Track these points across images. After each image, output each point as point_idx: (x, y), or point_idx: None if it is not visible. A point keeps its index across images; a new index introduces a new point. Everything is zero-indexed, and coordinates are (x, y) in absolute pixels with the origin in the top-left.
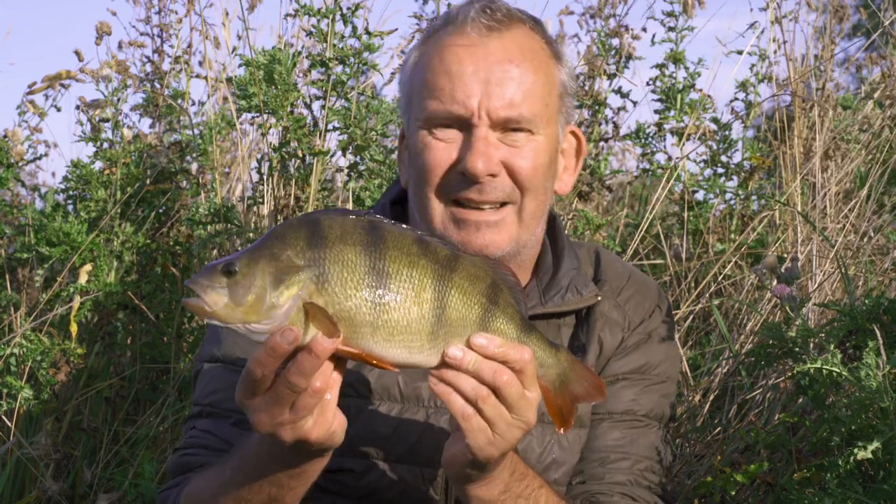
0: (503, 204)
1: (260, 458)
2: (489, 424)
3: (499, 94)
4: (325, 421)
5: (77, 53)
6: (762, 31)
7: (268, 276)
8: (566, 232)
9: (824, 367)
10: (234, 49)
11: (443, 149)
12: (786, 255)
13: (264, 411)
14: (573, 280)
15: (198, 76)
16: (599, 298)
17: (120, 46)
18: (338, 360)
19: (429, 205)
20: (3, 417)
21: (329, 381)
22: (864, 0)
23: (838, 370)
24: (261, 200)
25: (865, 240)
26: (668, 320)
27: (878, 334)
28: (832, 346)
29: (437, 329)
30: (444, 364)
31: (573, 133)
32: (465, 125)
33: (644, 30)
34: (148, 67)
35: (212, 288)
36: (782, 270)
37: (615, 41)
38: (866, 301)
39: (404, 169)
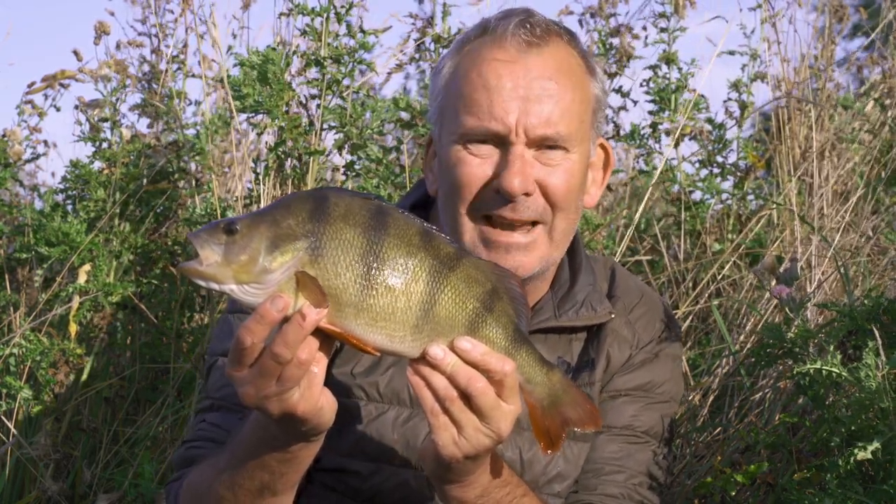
0: (534, 224)
1: (252, 443)
2: (456, 426)
3: (537, 111)
4: (312, 395)
5: (75, 53)
6: (752, 31)
7: (265, 240)
8: None
9: (824, 367)
10: (230, 48)
11: (477, 165)
12: (784, 255)
13: (251, 384)
14: (588, 296)
15: (194, 76)
16: (613, 316)
17: (118, 46)
18: (324, 338)
19: (459, 221)
20: (3, 417)
21: (315, 354)
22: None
23: (838, 370)
24: (257, 200)
25: (864, 239)
26: (677, 342)
27: (878, 335)
28: (832, 347)
29: (422, 323)
30: (424, 358)
31: (602, 146)
32: (501, 142)
33: (644, 28)
34: (146, 67)
35: (209, 243)
36: (781, 271)
37: (615, 40)
38: (866, 301)
39: (431, 176)
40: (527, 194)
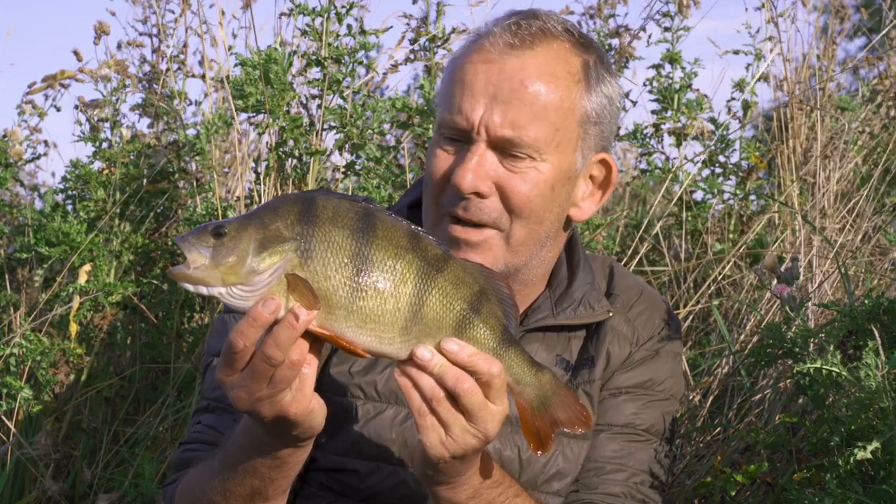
0: (486, 226)
1: (242, 449)
2: (443, 426)
3: (502, 111)
4: (304, 397)
5: (76, 53)
6: (757, 31)
7: (253, 242)
8: None
9: (824, 367)
10: (231, 48)
11: (444, 159)
12: (785, 255)
13: (242, 387)
14: (586, 294)
15: (194, 76)
16: (611, 314)
17: (119, 47)
18: (314, 340)
19: (428, 213)
20: (3, 417)
21: (306, 355)
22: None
23: (838, 370)
24: (258, 201)
25: (865, 240)
26: (677, 339)
27: (878, 334)
28: (832, 347)
29: (410, 325)
30: (412, 359)
31: (604, 161)
32: (467, 139)
33: (643, 29)
34: (146, 67)
35: (196, 247)
36: (782, 270)
37: (615, 41)
38: (866, 301)
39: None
40: (480, 195)
